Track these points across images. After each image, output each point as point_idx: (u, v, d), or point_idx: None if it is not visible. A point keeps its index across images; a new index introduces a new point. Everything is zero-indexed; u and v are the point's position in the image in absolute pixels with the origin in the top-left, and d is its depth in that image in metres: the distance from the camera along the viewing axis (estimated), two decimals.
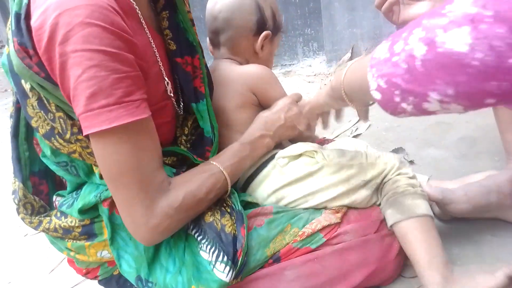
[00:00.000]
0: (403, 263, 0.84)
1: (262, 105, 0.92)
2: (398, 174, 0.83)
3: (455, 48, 0.43)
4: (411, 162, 1.22)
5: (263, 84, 0.89)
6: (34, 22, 0.57)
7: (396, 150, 1.28)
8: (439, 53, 0.45)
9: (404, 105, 0.51)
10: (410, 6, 0.79)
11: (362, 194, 0.82)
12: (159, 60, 0.72)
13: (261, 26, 0.92)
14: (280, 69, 2.41)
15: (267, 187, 0.84)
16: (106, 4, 0.57)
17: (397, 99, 0.51)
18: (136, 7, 0.68)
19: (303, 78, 2.22)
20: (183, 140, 0.81)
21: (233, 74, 0.90)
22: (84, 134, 0.59)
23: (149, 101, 0.63)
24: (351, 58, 0.95)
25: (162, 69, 0.72)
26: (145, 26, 0.70)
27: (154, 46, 0.71)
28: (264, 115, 0.87)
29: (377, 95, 0.54)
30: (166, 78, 0.73)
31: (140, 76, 0.61)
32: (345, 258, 0.76)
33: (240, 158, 0.79)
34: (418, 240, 0.76)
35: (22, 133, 0.76)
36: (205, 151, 0.82)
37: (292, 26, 2.30)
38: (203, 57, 0.82)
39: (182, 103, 0.80)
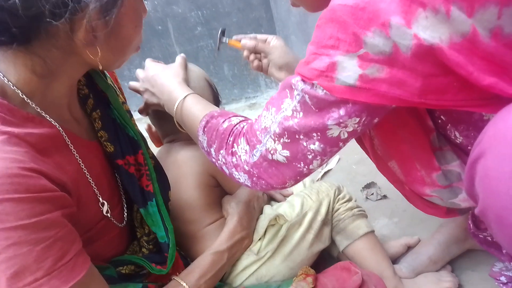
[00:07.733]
0: None
1: (223, 186, 0.90)
2: (337, 202, 0.92)
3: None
4: (384, 196, 1.23)
5: None
6: None
7: (368, 185, 1.28)
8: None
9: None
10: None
11: (327, 232, 0.89)
12: (91, 181, 0.66)
13: (217, 103, 0.94)
14: (244, 102, 2.41)
15: (245, 274, 0.82)
16: (17, 167, 0.49)
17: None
18: (60, 128, 0.61)
19: None
20: (143, 242, 0.75)
21: (188, 156, 0.88)
22: None
23: (88, 225, 0.60)
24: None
25: (96, 189, 0.66)
26: (73, 148, 0.63)
27: (84, 168, 0.64)
28: (237, 211, 0.83)
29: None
30: (100, 199, 0.67)
31: (72, 229, 0.55)
32: None
33: (216, 271, 0.75)
34: (367, 258, 0.87)
35: None
36: (165, 258, 0.74)
37: None
38: (148, 148, 0.76)
39: (126, 211, 0.73)
